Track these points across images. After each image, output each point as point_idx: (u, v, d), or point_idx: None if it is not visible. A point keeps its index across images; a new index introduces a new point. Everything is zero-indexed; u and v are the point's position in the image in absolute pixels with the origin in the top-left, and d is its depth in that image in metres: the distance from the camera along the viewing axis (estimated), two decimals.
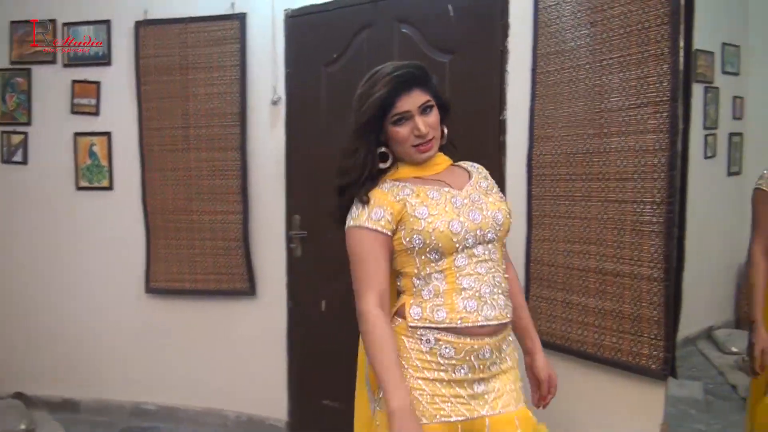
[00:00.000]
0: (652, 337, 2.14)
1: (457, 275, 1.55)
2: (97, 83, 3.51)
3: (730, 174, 5.01)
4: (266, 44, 3.21)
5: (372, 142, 1.62)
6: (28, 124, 3.62)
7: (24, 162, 3.64)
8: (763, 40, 5.03)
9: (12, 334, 3.74)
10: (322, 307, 3.11)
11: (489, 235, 1.58)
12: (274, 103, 3.22)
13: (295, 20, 3.12)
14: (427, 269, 1.57)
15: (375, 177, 1.64)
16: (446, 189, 1.62)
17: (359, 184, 1.62)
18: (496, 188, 1.73)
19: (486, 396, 1.58)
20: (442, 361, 1.55)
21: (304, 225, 3.15)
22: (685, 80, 2.06)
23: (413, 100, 1.58)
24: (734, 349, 4.52)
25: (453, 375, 1.55)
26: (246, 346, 3.42)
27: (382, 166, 1.65)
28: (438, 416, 1.53)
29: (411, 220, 1.55)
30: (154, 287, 3.50)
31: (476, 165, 1.80)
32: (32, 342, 3.71)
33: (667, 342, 2.11)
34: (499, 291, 1.59)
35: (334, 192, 1.69)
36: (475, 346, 1.54)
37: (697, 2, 2.10)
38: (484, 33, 2.62)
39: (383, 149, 1.65)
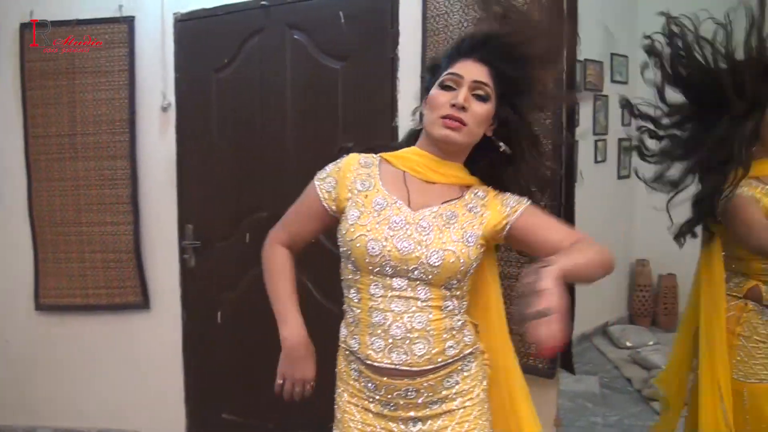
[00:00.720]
0: None
1: (370, 305, 1.37)
2: None
3: (620, 177, 5.22)
4: (155, 49, 3.06)
5: (423, 97, 1.49)
6: None
7: None
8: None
9: None
10: (218, 319, 2.99)
11: (415, 272, 1.34)
12: (164, 109, 3.07)
13: (184, 24, 2.99)
14: (348, 277, 1.43)
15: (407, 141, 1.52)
16: (398, 202, 1.39)
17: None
18: (476, 222, 1.39)
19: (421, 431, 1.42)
20: (367, 392, 1.42)
21: (198, 234, 3.02)
22: (568, 88, 2.09)
23: (475, 69, 1.37)
24: (628, 344, 4.70)
25: (381, 409, 1.42)
26: (142, 362, 3.25)
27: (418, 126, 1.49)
28: None
29: (343, 217, 1.42)
30: (44, 304, 3.27)
31: (481, 194, 1.45)
32: None
33: None
34: (421, 337, 1.35)
35: None
36: (392, 386, 1.38)
37: (587, 15, 2.13)
38: (376, 40, 2.58)
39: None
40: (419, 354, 1.35)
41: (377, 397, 1.41)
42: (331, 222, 1.48)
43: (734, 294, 2.03)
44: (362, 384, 1.43)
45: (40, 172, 3.20)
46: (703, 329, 2.05)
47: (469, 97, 1.35)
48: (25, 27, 3.15)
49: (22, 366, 3.38)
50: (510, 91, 1.41)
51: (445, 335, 1.37)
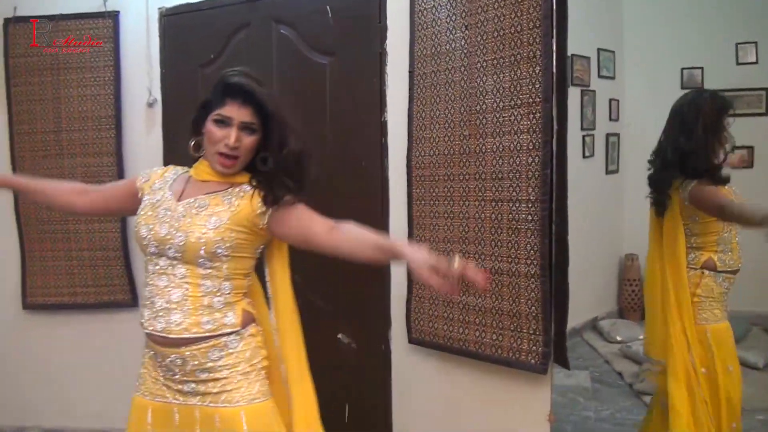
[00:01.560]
0: (531, 332, 2.14)
1: (147, 281, 1.65)
2: None
3: (608, 172, 5.21)
4: (140, 44, 3.02)
5: (194, 130, 1.69)
6: None
7: None
8: (635, 45, 5.28)
9: None
10: None
11: (170, 252, 1.60)
12: (150, 105, 3.04)
13: (170, 19, 2.95)
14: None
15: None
16: (169, 196, 1.68)
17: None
18: (226, 212, 1.61)
19: (197, 391, 1.63)
20: (153, 359, 1.67)
21: None
22: (558, 82, 2.06)
23: (241, 112, 1.61)
24: (619, 338, 4.69)
25: (164, 373, 1.66)
26: (130, 360, 3.11)
27: (195, 154, 1.73)
28: (157, 396, 1.68)
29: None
30: (31, 303, 3.24)
31: (247, 188, 1.67)
32: None
33: (545, 336, 2.11)
34: (178, 309, 1.59)
35: None
36: (164, 353, 1.62)
37: (574, 10, 2.10)
38: (363, 35, 2.55)
39: (196, 140, 1.72)
40: (176, 323, 1.58)
41: (158, 362, 1.66)
42: (132, 203, 1.75)
43: (692, 266, 2.47)
44: (150, 352, 1.68)
45: (26, 169, 3.15)
46: (668, 290, 2.46)
47: (239, 135, 1.61)
48: (9, 22, 3.11)
49: (10, 365, 3.34)
50: (268, 121, 1.64)
51: (201, 311, 1.60)
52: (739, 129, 2.52)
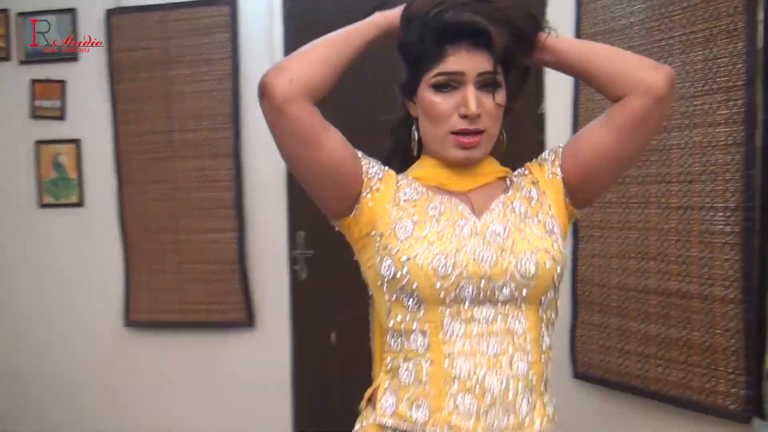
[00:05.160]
0: (730, 370, 2.07)
1: (447, 350, 1.18)
2: (62, 82, 3.44)
3: None
4: (262, 33, 3.17)
5: (406, 111, 1.35)
6: None
7: None
8: None
9: None
10: (333, 340, 3.07)
11: (505, 291, 1.18)
12: None
13: (294, 5, 3.10)
14: (404, 319, 1.22)
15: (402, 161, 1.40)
16: (461, 206, 1.26)
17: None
18: (545, 206, 1.29)
19: None
20: None
21: (310, 243, 3.11)
22: (765, 61, 1.99)
23: (474, 61, 1.21)
24: None
25: None
26: (244, 385, 3.36)
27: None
28: None
29: (389, 233, 1.23)
30: (134, 320, 3.44)
31: (520, 171, 1.41)
32: (3, 380, 3.65)
33: (748, 376, 2.03)
34: (524, 385, 1.18)
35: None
36: None
37: None
38: None
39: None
40: (527, 410, 1.19)
41: None
42: (348, 189, 1.29)
43: None
44: None
45: (132, 173, 3.37)
46: None
47: (477, 93, 1.22)
48: (111, 14, 3.32)
49: (111, 387, 3.53)
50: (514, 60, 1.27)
51: (542, 388, 1.24)
52: None
